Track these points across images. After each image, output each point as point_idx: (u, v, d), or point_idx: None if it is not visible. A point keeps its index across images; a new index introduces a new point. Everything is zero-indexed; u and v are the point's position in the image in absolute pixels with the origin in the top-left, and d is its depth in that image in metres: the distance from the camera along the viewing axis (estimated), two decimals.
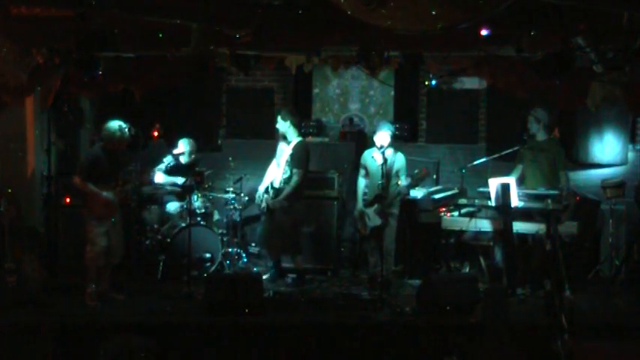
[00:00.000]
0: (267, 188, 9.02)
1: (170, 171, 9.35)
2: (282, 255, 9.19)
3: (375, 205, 8.60)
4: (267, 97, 11.06)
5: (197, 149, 9.56)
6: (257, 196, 9.11)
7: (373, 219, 8.62)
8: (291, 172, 8.81)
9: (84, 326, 7.40)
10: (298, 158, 8.82)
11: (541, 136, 8.95)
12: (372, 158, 8.75)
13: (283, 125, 8.96)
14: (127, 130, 8.11)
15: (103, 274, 8.13)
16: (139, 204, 9.09)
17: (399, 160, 8.65)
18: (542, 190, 8.58)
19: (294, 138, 8.96)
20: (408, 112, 11.10)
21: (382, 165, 8.38)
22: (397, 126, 10.70)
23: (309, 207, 9.53)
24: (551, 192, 8.46)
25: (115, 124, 8.12)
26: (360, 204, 8.79)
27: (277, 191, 8.87)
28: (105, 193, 7.97)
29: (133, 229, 8.82)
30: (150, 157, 9.24)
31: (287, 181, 8.83)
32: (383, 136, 8.60)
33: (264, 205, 8.94)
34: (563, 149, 9.11)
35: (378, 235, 8.60)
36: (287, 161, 8.84)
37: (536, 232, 8.36)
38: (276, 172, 8.99)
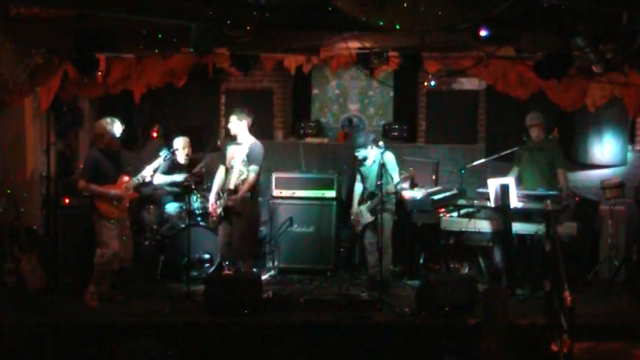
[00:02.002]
0: (218, 194, 8.78)
1: (167, 171, 9.34)
2: (236, 259, 8.91)
3: (368, 203, 8.63)
4: (266, 97, 11.06)
5: (192, 147, 9.52)
6: (210, 204, 8.85)
7: (365, 216, 8.67)
8: (248, 170, 8.66)
9: (84, 326, 7.40)
10: (255, 156, 8.68)
11: (540, 137, 8.97)
12: (363, 164, 8.79)
13: (238, 126, 8.76)
14: (116, 122, 8.12)
15: (109, 276, 8.15)
16: (138, 204, 9.10)
17: (387, 158, 8.64)
18: (541, 191, 8.59)
19: (248, 138, 8.81)
20: (407, 112, 11.12)
21: (373, 164, 8.44)
22: (396, 126, 10.76)
23: (309, 208, 9.57)
24: (551, 192, 8.48)
25: (103, 120, 8.16)
26: (355, 205, 8.86)
27: (234, 192, 8.66)
28: (112, 191, 8.01)
29: (132, 229, 8.82)
30: (149, 157, 9.23)
31: (244, 181, 8.66)
32: (358, 152, 8.66)
33: (220, 210, 8.69)
34: (560, 148, 9.13)
35: (375, 233, 8.61)
36: (243, 161, 8.67)
37: (535, 232, 8.36)
38: (228, 175, 8.76)
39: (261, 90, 11.10)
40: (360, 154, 8.69)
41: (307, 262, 9.59)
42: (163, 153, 8.56)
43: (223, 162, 8.87)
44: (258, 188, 8.83)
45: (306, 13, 7.34)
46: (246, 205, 8.62)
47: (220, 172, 8.89)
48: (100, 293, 8.06)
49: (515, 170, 9.08)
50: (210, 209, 8.83)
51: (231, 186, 8.69)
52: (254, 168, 8.65)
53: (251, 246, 8.94)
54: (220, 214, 8.71)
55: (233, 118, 8.79)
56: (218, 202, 8.74)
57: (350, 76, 11.16)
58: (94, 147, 8.36)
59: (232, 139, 8.86)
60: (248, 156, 8.66)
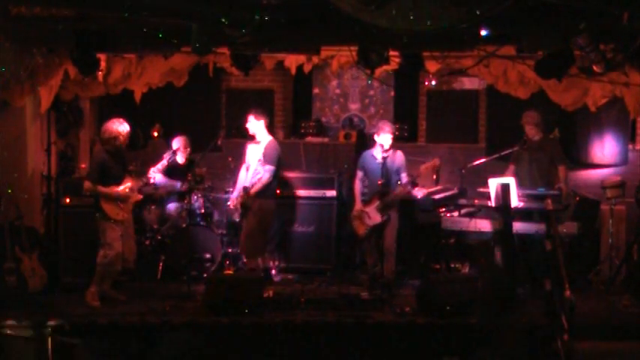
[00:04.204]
0: (239, 193, 8.84)
1: (168, 172, 9.34)
2: (247, 256, 8.99)
3: (376, 203, 8.60)
4: (266, 97, 11.06)
5: (190, 146, 9.52)
6: (230, 200, 8.92)
7: (374, 217, 8.62)
8: (263, 169, 8.68)
9: (84, 326, 7.40)
10: (270, 155, 8.71)
11: (535, 135, 8.99)
12: (372, 157, 8.77)
13: (257, 125, 8.80)
14: (124, 122, 8.16)
15: (111, 276, 8.17)
16: (139, 204, 9.11)
17: (398, 158, 8.66)
18: (542, 191, 8.60)
19: (266, 137, 8.85)
20: (407, 112, 11.12)
21: (382, 164, 8.42)
22: (397, 126, 10.74)
23: (309, 207, 9.58)
24: (551, 192, 8.48)
25: (111, 122, 8.16)
26: (358, 204, 8.80)
27: (249, 190, 8.71)
28: (118, 192, 8.08)
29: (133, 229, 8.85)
30: (150, 157, 9.24)
31: (260, 180, 8.70)
32: (386, 137, 8.64)
33: (239, 207, 8.77)
34: (559, 146, 9.14)
35: (378, 234, 8.59)
36: (259, 160, 8.73)
37: (536, 232, 8.36)
38: (247, 175, 8.84)
39: (262, 89, 11.11)
40: (383, 139, 8.66)
41: (308, 261, 9.59)
42: (167, 155, 8.60)
43: (245, 161, 8.93)
44: (272, 187, 8.83)
45: (307, 13, 7.34)
46: (258, 203, 8.64)
47: (242, 171, 8.98)
48: (102, 293, 8.08)
49: (511, 168, 9.10)
50: (230, 206, 8.93)
51: (247, 184, 8.73)
52: (268, 167, 8.66)
53: (259, 244, 8.91)
54: (240, 211, 8.77)
55: (251, 118, 8.82)
56: (237, 200, 8.79)
57: (350, 76, 11.16)
58: (100, 148, 8.37)
59: (251, 138, 8.89)
60: (264, 156, 8.69)
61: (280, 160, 8.86)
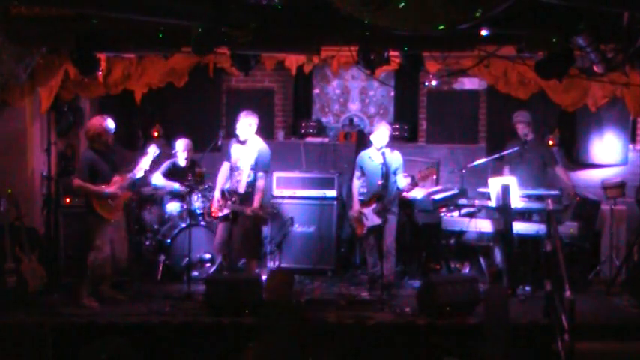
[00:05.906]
0: (223, 193, 8.71)
1: (168, 175, 9.33)
2: (239, 259, 8.96)
3: (374, 205, 8.58)
4: (267, 97, 11.06)
5: (193, 149, 9.49)
6: (215, 201, 8.72)
7: (372, 219, 8.60)
8: (256, 175, 8.60)
9: (84, 326, 7.40)
10: (264, 162, 8.65)
11: (527, 135, 9.04)
12: (370, 159, 8.74)
13: (250, 131, 8.66)
14: (109, 119, 8.19)
15: (107, 277, 8.17)
16: (139, 204, 9.10)
17: (396, 158, 8.65)
18: (542, 191, 8.60)
19: (256, 140, 8.73)
20: (408, 112, 11.11)
21: (382, 165, 8.40)
22: (397, 126, 10.75)
23: (309, 207, 9.58)
24: (552, 192, 8.49)
25: (96, 120, 8.23)
26: (357, 205, 8.78)
27: (243, 196, 8.59)
28: (107, 190, 8.06)
29: (132, 229, 8.83)
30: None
31: (251, 184, 8.62)
32: (382, 136, 8.62)
33: (227, 211, 8.60)
34: (550, 147, 9.16)
35: (377, 235, 8.58)
36: (251, 165, 8.62)
37: (536, 232, 8.36)
38: (235, 175, 8.71)
39: (262, 89, 11.09)
40: (379, 138, 8.64)
41: (308, 261, 9.59)
42: (151, 150, 8.50)
43: (228, 159, 8.83)
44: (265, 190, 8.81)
45: (308, 13, 7.34)
46: (252, 205, 8.59)
47: (224, 169, 8.82)
48: (102, 293, 8.09)
49: (505, 170, 9.12)
50: (214, 207, 8.72)
51: (241, 190, 8.62)
52: (263, 175, 8.61)
53: (256, 246, 8.89)
54: (227, 215, 8.63)
55: (244, 124, 8.63)
56: (224, 202, 8.65)
57: (351, 76, 11.15)
58: (88, 148, 8.35)
59: (238, 138, 8.79)
60: (257, 161, 8.60)
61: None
